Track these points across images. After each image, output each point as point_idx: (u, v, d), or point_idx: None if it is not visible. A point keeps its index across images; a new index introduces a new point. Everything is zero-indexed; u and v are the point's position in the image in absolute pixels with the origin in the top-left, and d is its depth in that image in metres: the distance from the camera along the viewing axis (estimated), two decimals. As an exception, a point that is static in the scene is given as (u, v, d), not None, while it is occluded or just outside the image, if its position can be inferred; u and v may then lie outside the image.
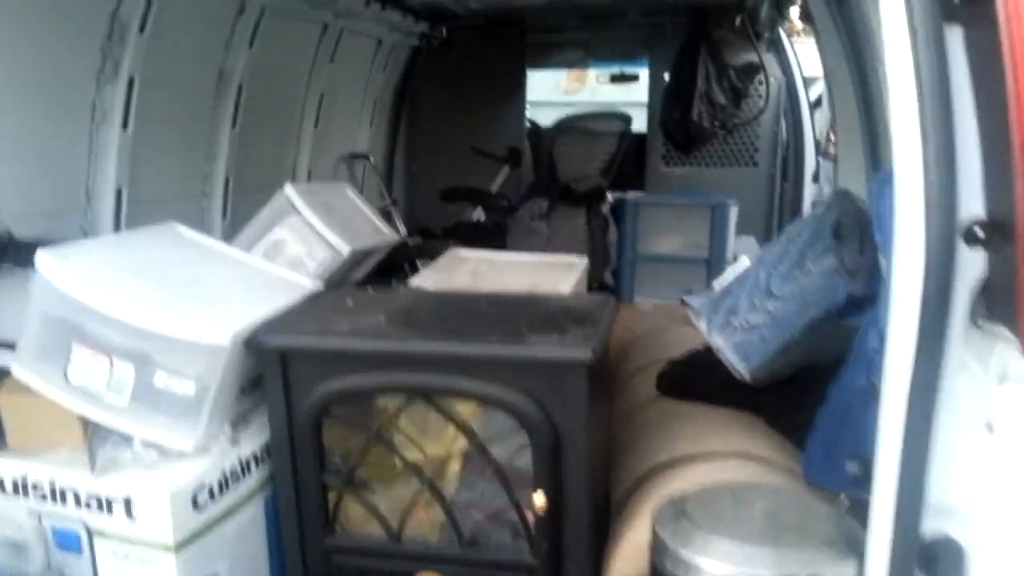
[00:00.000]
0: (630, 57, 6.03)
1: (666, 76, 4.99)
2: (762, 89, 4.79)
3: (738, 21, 4.58)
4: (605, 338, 1.75)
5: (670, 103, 4.80)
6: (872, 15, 2.35)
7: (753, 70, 4.69)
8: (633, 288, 4.37)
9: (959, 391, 1.21)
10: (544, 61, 6.19)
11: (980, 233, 1.15)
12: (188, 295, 1.90)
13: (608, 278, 4.46)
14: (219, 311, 1.83)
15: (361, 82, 5.07)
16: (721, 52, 4.69)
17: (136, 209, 3.22)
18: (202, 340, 1.73)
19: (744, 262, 1.85)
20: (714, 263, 4.22)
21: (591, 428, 1.74)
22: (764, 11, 4.36)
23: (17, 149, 2.64)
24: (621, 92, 6.79)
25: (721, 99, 4.62)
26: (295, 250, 2.79)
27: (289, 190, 2.79)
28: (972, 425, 1.19)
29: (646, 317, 4.07)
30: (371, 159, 5.14)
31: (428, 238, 4.63)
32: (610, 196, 4.63)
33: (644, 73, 5.74)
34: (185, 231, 2.25)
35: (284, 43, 4.02)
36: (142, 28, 3.02)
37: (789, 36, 4.88)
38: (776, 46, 4.88)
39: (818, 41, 3.34)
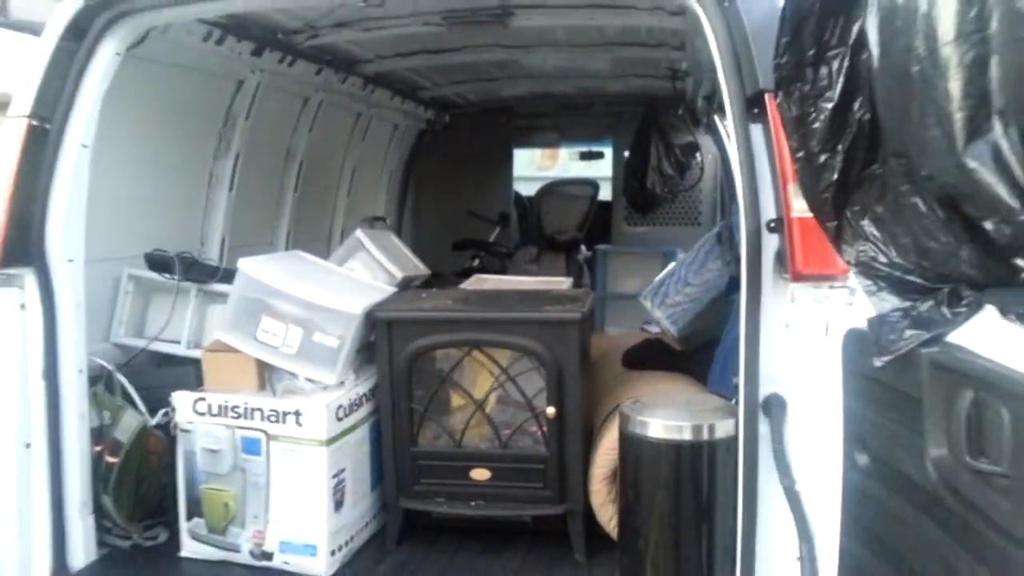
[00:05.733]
0: (597, 138, 7.31)
1: (626, 153, 6.27)
2: (700, 163, 6.07)
3: (680, 111, 5.87)
4: (588, 308, 2.88)
5: (629, 174, 6.06)
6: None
7: (693, 148, 5.98)
8: (604, 320, 5.51)
9: (774, 311, 2.35)
10: (527, 141, 7.46)
11: (772, 224, 2.31)
12: (327, 287, 3.00)
13: (584, 311, 5.59)
14: (349, 296, 2.93)
15: (380, 158, 6.26)
16: (668, 134, 5.98)
17: (229, 253, 4.30)
18: (344, 310, 2.82)
19: (672, 264, 3.01)
20: (666, 297, 5.40)
21: (582, 365, 2.85)
22: (699, 103, 5.65)
23: (158, 208, 3.74)
24: (588, 168, 8.02)
25: (669, 171, 5.89)
26: (363, 276, 3.89)
27: (360, 234, 3.90)
28: (781, 326, 2.33)
29: (614, 340, 5.20)
30: (387, 220, 6.29)
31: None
32: (585, 250, 5.81)
33: (608, 152, 7.04)
34: (307, 256, 3.36)
35: (331, 128, 5.19)
36: (247, 117, 4.17)
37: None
38: (712, 129, 6.17)
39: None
